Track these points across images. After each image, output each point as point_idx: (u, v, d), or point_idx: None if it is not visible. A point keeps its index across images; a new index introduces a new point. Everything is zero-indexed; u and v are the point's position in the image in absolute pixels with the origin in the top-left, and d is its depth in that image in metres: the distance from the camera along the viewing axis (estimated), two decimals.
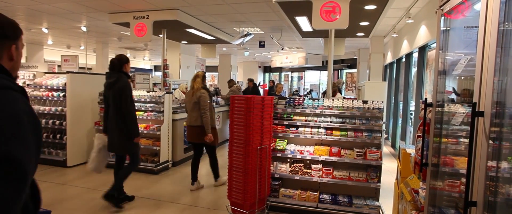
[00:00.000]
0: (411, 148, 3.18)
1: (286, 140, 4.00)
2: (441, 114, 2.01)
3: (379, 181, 3.58)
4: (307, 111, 3.90)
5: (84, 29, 8.01)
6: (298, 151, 3.84)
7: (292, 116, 3.96)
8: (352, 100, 3.85)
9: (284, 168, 3.88)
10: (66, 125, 5.55)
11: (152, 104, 5.60)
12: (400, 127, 7.40)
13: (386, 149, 7.89)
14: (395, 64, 8.49)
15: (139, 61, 19.07)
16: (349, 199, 3.67)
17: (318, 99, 4.01)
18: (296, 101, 3.99)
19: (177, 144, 5.92)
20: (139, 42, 6.26)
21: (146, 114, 5.59)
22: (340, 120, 3.80)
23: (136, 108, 5.60)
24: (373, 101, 3.81)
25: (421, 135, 2.20)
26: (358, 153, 3.64)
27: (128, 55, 16.57)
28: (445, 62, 1.99)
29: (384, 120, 5.96)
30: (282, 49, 11.02)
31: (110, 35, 9.67)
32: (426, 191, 2.01)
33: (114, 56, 3.83)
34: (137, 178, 5.10)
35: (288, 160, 3.96)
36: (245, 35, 7.54)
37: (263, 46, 9.93)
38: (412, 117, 6.66)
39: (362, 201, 3.66)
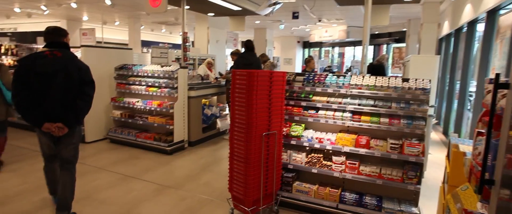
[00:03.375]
0: (467, 143, 2.34)
1: (303, 125, 3.31)
2: None
3: (419, 183, 2.78)
4: (330, 90, 3.15)
5: (108, 2, 7.78)
6: (316, 138, 3.15)
7: (311, 96, 3.24)
8: (388, 79, 3.01)
9: (299, 158, 3.23)
10: None
11: (165, 80, 5.19)
12: (455, 112, 6.23)
13: (435, 135, 6.77)
14: (453, 37, 7.10)
15: (176, 36, 19.02)
16: (379, 201, 2.94)
17: (344, 76, 3.22)
18: (316, 78, 3.25)
19: (194, 123, 5.51)
20: (155, 12, 5.81)
21: (159, 90, 5.21)
22: (371, 102, 3.00)
23: (150, 84, 5.31)
24: (416, 80, 2.94)
25: (484, 131, 1.41)
26: (393, 145, 2.85)
27: (163, 31, 16.58)
28: None
29: (434, 103, 4.94)
30: (320, 21, 9.98)
31: (138, 8, 9.43)
32: None
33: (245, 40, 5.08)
34: (148, 158, 4.81)
35: (306, 148, 3.30)
36: (274, 4, 6.72)
37: (297, 17, 9.01)
38: (471, 99, 5.49)
39: (396, 205, 2.90)
